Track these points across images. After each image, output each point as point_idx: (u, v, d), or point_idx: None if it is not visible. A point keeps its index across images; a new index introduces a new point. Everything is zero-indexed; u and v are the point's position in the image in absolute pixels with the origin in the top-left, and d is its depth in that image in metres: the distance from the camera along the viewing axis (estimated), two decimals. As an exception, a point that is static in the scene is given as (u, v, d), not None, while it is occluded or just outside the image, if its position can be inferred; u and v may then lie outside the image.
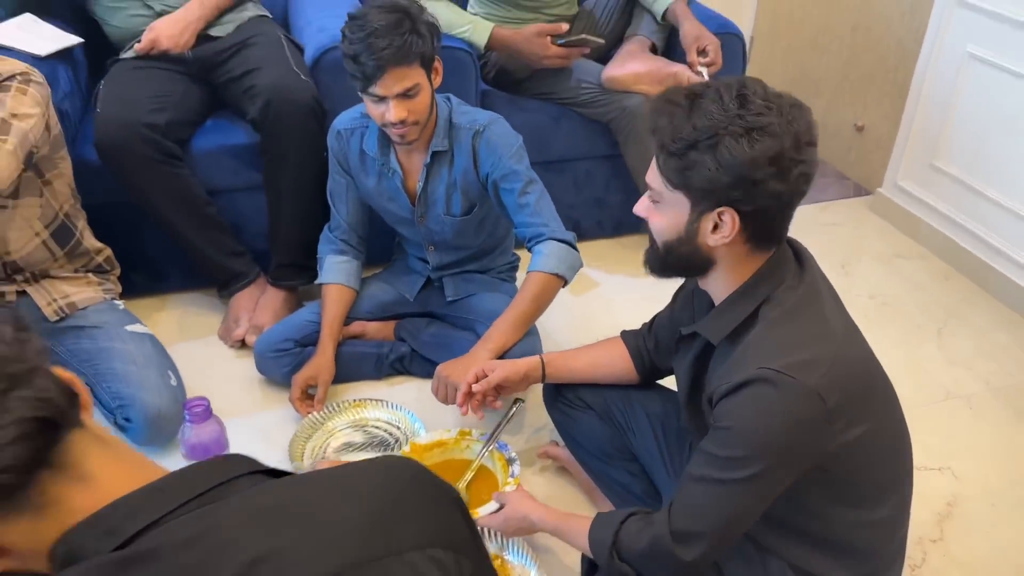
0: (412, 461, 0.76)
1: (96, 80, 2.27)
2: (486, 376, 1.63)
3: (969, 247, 2.59)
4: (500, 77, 2.46)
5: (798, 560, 1.31)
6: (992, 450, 1.96)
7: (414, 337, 2.08)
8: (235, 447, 1.73)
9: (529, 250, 1.90)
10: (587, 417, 1.63)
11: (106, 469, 0.67)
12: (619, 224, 2.70)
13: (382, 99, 1.70)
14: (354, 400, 1.97)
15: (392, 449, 1.87)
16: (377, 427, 1.92)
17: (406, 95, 1.70)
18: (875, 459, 1.26)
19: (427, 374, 2.07)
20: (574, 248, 1.88)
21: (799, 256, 1.25)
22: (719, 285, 1.24)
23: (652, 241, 1.25)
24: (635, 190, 2.53)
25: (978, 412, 2.07)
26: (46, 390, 0.63)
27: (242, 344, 2.16)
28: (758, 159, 1.08)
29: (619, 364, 1.62)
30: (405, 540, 0.67)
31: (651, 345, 1.57)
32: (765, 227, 1.17)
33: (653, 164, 1.19)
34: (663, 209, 1.20)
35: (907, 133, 2.77)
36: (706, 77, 2.27)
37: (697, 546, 1.18)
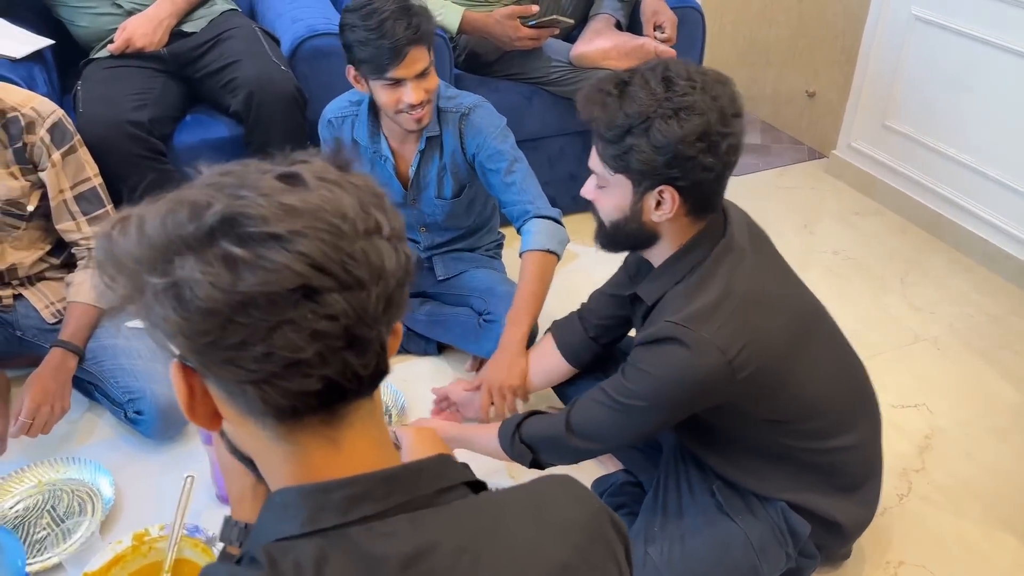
0: (589, 492, 0.75)
1: (65, 82, 2.26)
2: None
3: (922, 200, 2.73)
4: (471, 60, 2.51)
5: (795, 498, 1.41)
6: (961, 386, 2.09)
7: (408, 317, 2.13)
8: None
9: (518, 231, 1.94)
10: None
11: (360, 443, 0.66)
12: (592, 198, 2.78)
13: (398, 83, 1.73)
14: None
15: (388, 417, 1.92)
16: None
17: (422, 75, 1.74)
18: (818, 395, 1.37)
19: (422, 351, 2.13)
20: (560, 224, 1.93)
21: (727, 220, 1.34)
22: (660, 254, 1.35)
23: (600, 221, 1.36)
24: (607, 164, 2.60)
25: (945, 352, 2.20)
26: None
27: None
28: (688, 137, 1.18)
29: (550, 363, 1.74)
30: None
31: (591, 331, 1.67)
32: (702, 198, 1.27)
33: (594, 151, 1.28)
34: (608, 192, 1.30)
35: (858, 95, 2.90)
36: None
37: (587, 443, 1.40)
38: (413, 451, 1.14)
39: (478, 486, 0.70)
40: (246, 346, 0.57)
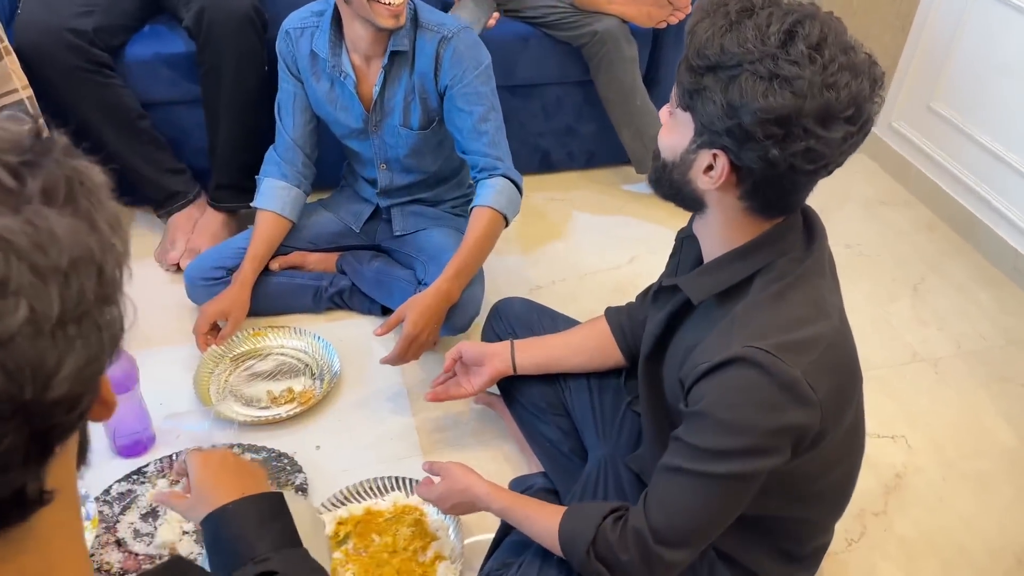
0: None
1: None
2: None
3: (957, 196, 2.44)
4: (466, -10, 2.27)
5: (730, 550, 1.22)
6: (951, 419, 1.87)
7: (356, 271, 1.97)
8: (154, 378, 1.66)
9: (475, 181, 1.79)
10: None
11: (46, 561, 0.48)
12: (591, 156, 2.55)
13: None
14: (254, 330, 1.88)
15: (303, 375, 1.80)
16: (283, 354, 1.85)
17: None
18: (835, 459, 1.15)
19: (367, 310, 1.99)
20: (521, 191, 1.79)
21: (810, 228, 1.09)
22: (712, 237, 1.10)
23: (657, 150, 1.10)
24: (609, 121, 2.37)
25: (943, 377, 1.97)
26: None
27: (177, 268, 2.05)
28: (764, 112, 0.91)
29: (598, 343, 1.48)
30: None
31: (644, 317, 1.39)
32: (760, 191, 1.00)
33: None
34: (672, 125, 1.04)
35: (906, 70, 2.59)
36: None
37: (678, 547, 1.07)
38: (200, 485, 0.99)
39: None
40: None
